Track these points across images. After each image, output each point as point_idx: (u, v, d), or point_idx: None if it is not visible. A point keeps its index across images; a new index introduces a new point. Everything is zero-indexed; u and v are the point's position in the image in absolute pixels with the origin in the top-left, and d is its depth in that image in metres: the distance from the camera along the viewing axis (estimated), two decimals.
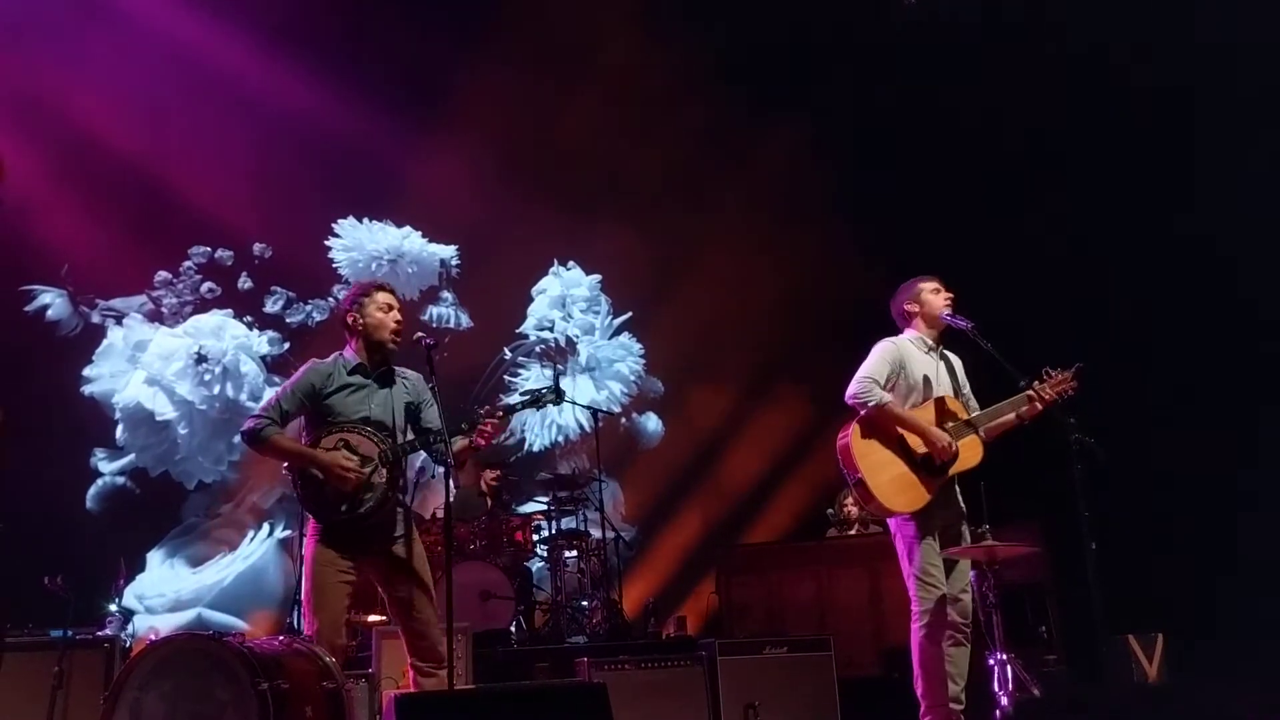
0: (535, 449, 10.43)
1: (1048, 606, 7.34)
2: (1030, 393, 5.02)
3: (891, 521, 5.08)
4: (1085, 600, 5.51)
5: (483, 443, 4.57)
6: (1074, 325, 8.51)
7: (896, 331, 5.34)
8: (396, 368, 4.69)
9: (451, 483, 4.56)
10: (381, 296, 4.65)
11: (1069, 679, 6.88)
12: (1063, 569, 7.03)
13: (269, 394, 9.45)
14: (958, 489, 5.09)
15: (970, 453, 5.01)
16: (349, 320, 4.65)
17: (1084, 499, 5.15)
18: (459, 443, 4.52)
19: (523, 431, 10.39)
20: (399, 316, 4.66)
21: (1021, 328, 5.62)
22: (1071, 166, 9.14)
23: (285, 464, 4.53)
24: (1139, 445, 7.25)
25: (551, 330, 10.81)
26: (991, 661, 5.07)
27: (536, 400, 4.75)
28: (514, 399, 4.72)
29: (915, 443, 4.98)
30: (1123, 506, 7.04)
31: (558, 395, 4.76)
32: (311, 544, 4.46)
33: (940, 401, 5.08)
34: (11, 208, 3.46)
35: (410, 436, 4.61)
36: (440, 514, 7.39)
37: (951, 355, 5.33)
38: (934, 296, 5.24)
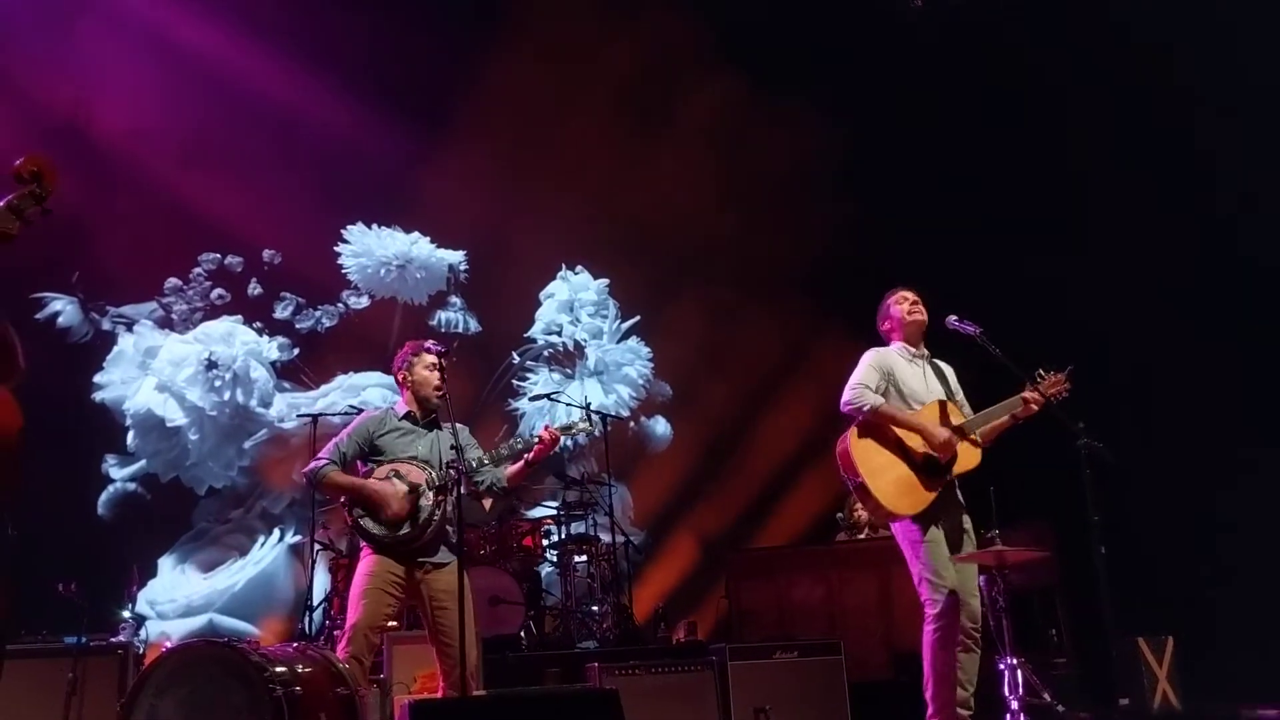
0: None
1: (1058, 610, 7.34)
2: (1025, 395, 5.06)
3: (895, 527, 5.09)
4: (1095, 603, 5.52)
5: (532, 457, 5.02)
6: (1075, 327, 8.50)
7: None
8: (442, 379, 5.15)
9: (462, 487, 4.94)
10: (429, 357, 5.14)
11: (1079, 683, 6.88)
12: (1073, 572, 7.02)
13: (279, 400, 9.71)
14: (959, 492, 5.10)
15: (969, 455, 5.04)
16: (399, 377, 5.23)
17: (1093, 502, 5.16)
18: (510, 468, 5.07)
19: (531, 435, 10.37)
20: (438, 380, 5.10)
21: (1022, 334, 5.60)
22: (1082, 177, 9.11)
23: (342, 498, 5.02)
24: (1147, 447, 7.26)
25: (559, 334, 10.83)
26: (1001, 666, 5.08)
27: (567, 430, 5.19)
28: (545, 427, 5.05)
29: (915, 443, 5.01)
30: (1132, 508, 7.05)
31: (590, 425, 5.30)
32: (368, 559, 4.90)
33: (941, 405, 5.11)
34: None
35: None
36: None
37: (942, 364, 5.38)
38: (899, 306, 5.34)
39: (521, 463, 5.03)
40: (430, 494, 4.84)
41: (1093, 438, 5.07)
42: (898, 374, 5.18)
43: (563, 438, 5.08)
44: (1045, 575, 7.17)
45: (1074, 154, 9.08)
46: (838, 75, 9.97)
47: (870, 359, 5.24)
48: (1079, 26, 9.13)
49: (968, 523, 5.10)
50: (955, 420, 5.08)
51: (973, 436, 5.05)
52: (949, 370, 5.37)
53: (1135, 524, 7.13)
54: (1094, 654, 6.87)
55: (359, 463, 5.06)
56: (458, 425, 5.07)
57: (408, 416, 5.12)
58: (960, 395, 5.30)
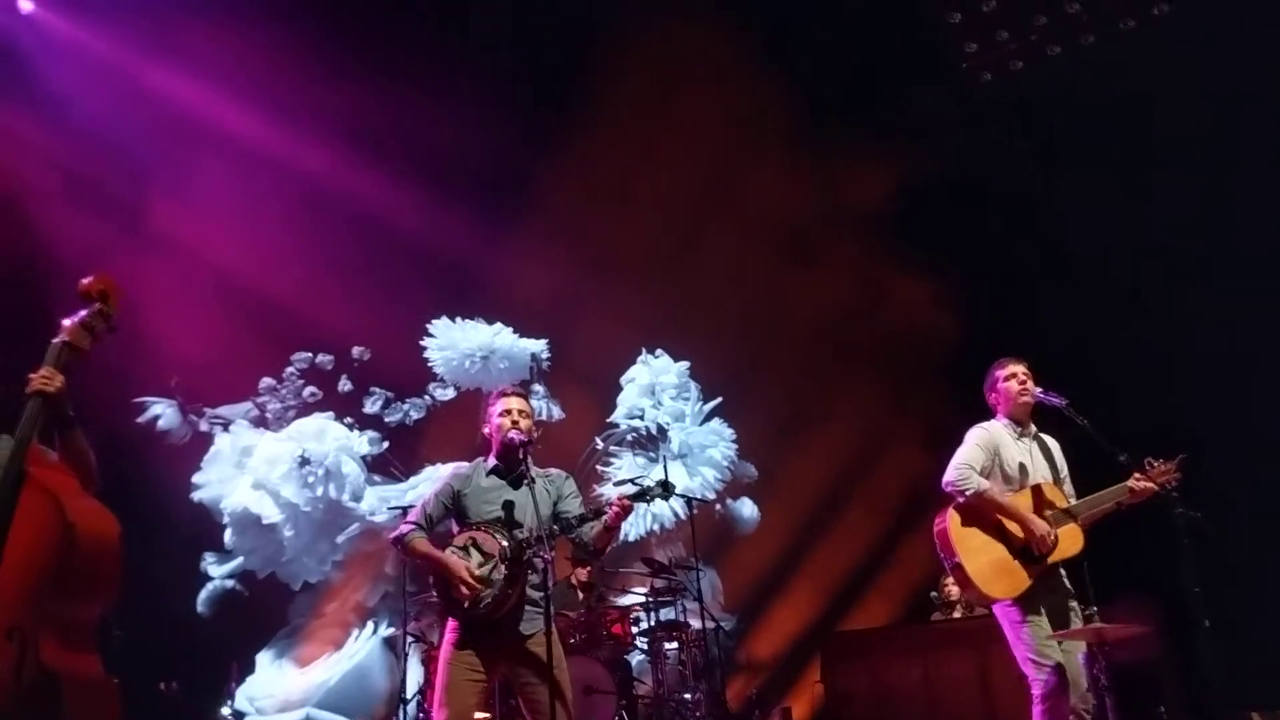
0: (630, 538, 10.42)
1: (1164, 686, 7.07)
2: (1130, 484, 4.96)
3: (996, 608, 4.99)
4: (1203, 678, 5.32)
5: (610, 520, 4.66)
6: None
7: (991, 416, 5.30)
8: (539, 468, 4.89)
9: (550, 574, 4.64)
10: (503, 403, 4.94)
11: None
12: (1178, 647, 6.76)
13: (369, 494, 9.87)
14: (1063, 573, 4.99)
15: (1070, 541, 4.93)
16: (485, 431, 4.99)
17: (1193, 574, 4.99)
18: (594, 529, 4.73)
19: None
20: (515, 419, 4.86)
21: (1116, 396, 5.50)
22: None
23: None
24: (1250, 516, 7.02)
25: (642, 418, 10.85)
26: None
27: (642, 495, 4.79)
28: (624, 491, 4.79)
29: (1014, 530, 4.92)
30: (1237, 578, 6.80)
31: (665, 491, 4.81)
32: (448, 642, 4.66)
33: (1038, 489, 5.02)
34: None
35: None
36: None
37: (1048, 439, 5.26)
38: (1009, 384, 5.21)
39: (602, 525, 4.70)
40: (503, 566, 4.53)
41: (1189, 507, 4.93)
42: (1004, 454, 5.10)
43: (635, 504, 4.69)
44: (1149, 651, 6.90)
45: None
46: (916, 148, 9.99)
47: (977, 438, 5.14)
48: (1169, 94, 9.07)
49: (1074, 603, 4.97)
50: (1058, 501, 4.99)
51: (1078, 521, 4.95)
52: (1055, 446, 5.27)
53: (1240, 594, 6.87)
54: None
55: (451, 522, 4.85)
56: (559, 473, 4.94)
57: (495, 471, 4.86)
58: (1065, 472, 5.21)
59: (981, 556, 4.90)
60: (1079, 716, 4.76)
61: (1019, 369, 5.23)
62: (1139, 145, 9.19)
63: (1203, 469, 5.13)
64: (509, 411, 4.88)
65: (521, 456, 4.77)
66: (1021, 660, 4.87)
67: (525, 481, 4.72)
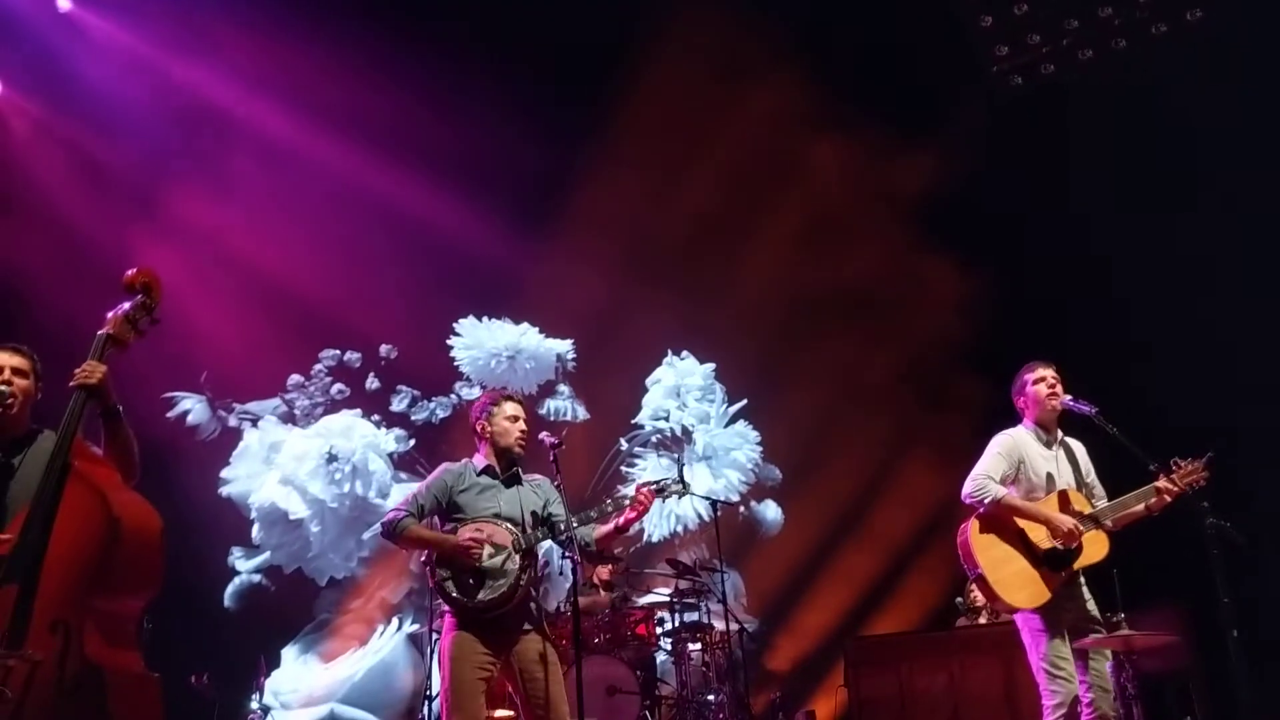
0: (654, 539, 10.46)
1: (1192, 696, 7.03)
2: (1158, 484, 4.89)
3: (1017, 616, 4.96)
4: (1232, 688, 5.28)
5: (623, 523, 4.72)
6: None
7: (1018, 419, 5.28)
8: (524, 473, 4.89)
9: (579, 575, 4.67)
10: (509, 407, 4.89)
11: None
12: (1207, 657, 6.73)
13: (396, 491, 9.93)
14: (1084, 585, 4.96)
15: (1095, 547, 4.88)
16: (478, 428, 4.90)
17: (1223, 584, 4.96)
18: (600, 529, 4.76)
19: (641, 522, 10.38)
20: (524, 426, 4.87)
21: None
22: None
23: (423, 555, 4.78)
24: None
25: (667, 420, 10.87)
26: None
27: (661, 490, 4.79)
28: (637, 486, 4.80)
29: (1038, 536, 4.89)
30: (1270, 587, 6.76)
31: (683, 486, 4.81)
32: (448, 639, 4.59)
33: (1063, 495, 4.98)
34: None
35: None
36: (565, 608, 7.47)
37: (1073, 443, 5.22)
38: (1037, 387, 5.14)
39: (612, 526, 4.75)
40: (517, 557, 4.55)
41: (1219, 517, 4.89)
42: (1029, 461, 5.05)
43: (656, 498, 4.74)
44: (1178, 660, 6.88)
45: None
46: (947, 150, 9.97)
47: (999, 447, 5.09)
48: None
49: (1095, 611, 4.95)
50: (1083, 508, 4.95)
51: (1105, 524, 4.92)
52: (1080, 451, 5.21)
53: (1272, 604, 6.82)
54: None
55: (438, 519, 4.74)
56: (540, 479, 4.89)
57: (487, 471, 4.80)
58: (1092, 477, 5.15)
59: (1005, 567, 4.88)
60: None
61: (1048, 373, 5.16)
62: (1172, 149, 9.12)
63: (1230, 471, 5.07)
64: (518, 418, 4.86)
65: (552, 459, 4.76)
66: (1036, 670, 4.84)
67: (520, 484, 4.79)
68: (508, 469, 4.84)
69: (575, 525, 4.68)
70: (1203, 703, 7.01)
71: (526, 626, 4.62)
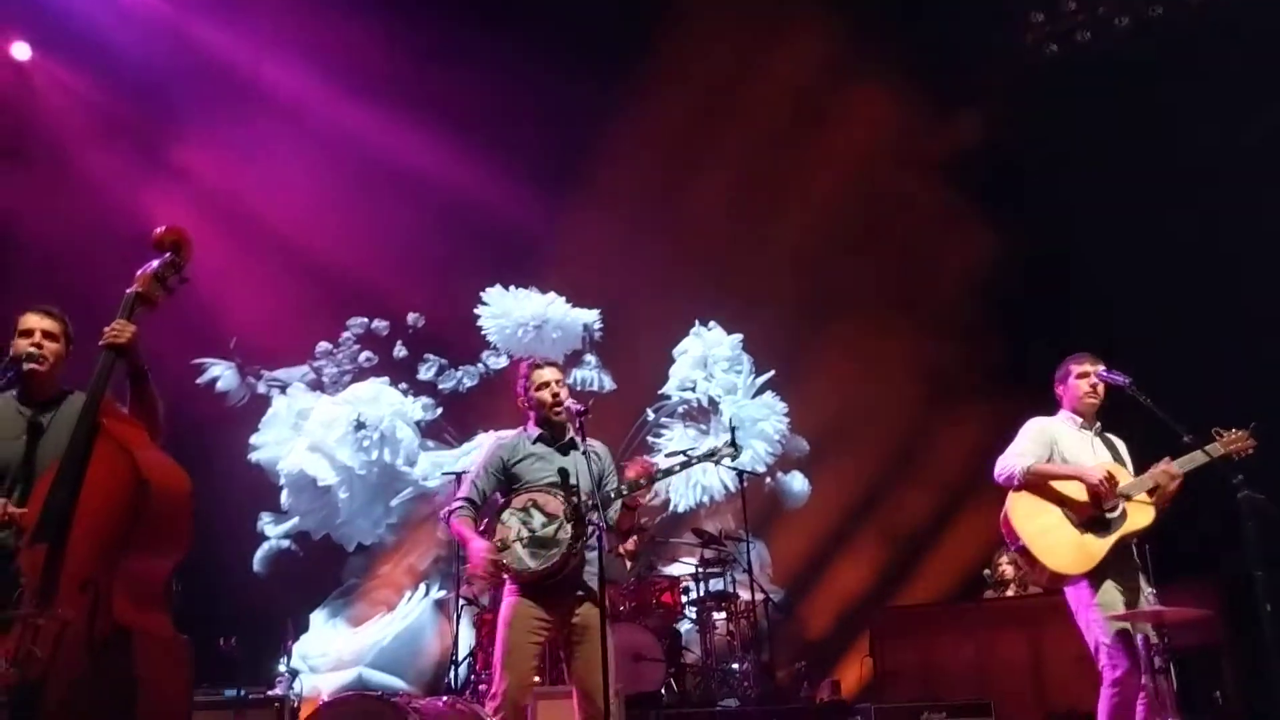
0: (680, 509, 10.46)
1: (1223, 671, 6.97)
2: (1210, 447, 4.79)
3: (1068, 591, 4.88)
4: (1264, 663, 5.21)
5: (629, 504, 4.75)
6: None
7: (1051, 397, 5.21)
8: (582, 439, 4.83)
9: (605, 544, 4.67)
10: (537, 375, 4.91)
11: None
12: (1239, 632, 6.65)
13: (423, 459, 9.98)
14: (1135, 553, 4.88)
15: (1139, 514, 4.82)
16: (520, 402, 4.97)
17: (1257, 558, 4.88)
18: (617, 511, 4.79)
19: (668, 492, 10.42)
20: (555, 390, 4.85)
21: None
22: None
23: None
24: None
25: (694, 390, 10.84)
26: None
27: (713, 455, 4.82)
28: (690, 454, 4.83)
29: (1076, 498, 4.83)
30: None
31: (735, 449, 4.81)
32: (506, 604, 4.68)
33: (1109, 474, 4.87)
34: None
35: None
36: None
37: (1114, 439, 5.13)
38: (1079, 382, 5.06)
39: (622, 505, 4.79)
40: (569, 526, 4.60)
41: (1254, 489, 4.81)
42: (1061, 444, 4.99)
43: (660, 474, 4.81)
44: (1210, 634, 6.81)
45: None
46: (980, 117, 9.88)
47: (1031, 432, 5.05)
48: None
49: (1144, 583, 4.88)
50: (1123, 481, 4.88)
51: (1138, 498, 4.84)
52: (1120, 444, 5.12)
53: None
54: (1264, 716, 6.47)
55: (498, 494, 4.84)
56: (604, 448, 4.94)
57: (541, 439, 4.87)
58: (1130, 469, 5.03)
59: (1048, 536, 4.82)
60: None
61: (1093, 371, 5.05)
62: (1207, 116, 8.94)
63: (1269, 443, 4.98)
64: (547, 384, 4.86)
65: (578, 426, 4.74)
66: (1094, 646, 4.77)
67: (580, 450, 4.74)
68: (561, 435, 4.89)
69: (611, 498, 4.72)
70: (1232, 678, 6.95)
71: (580, 594, 4.67)
